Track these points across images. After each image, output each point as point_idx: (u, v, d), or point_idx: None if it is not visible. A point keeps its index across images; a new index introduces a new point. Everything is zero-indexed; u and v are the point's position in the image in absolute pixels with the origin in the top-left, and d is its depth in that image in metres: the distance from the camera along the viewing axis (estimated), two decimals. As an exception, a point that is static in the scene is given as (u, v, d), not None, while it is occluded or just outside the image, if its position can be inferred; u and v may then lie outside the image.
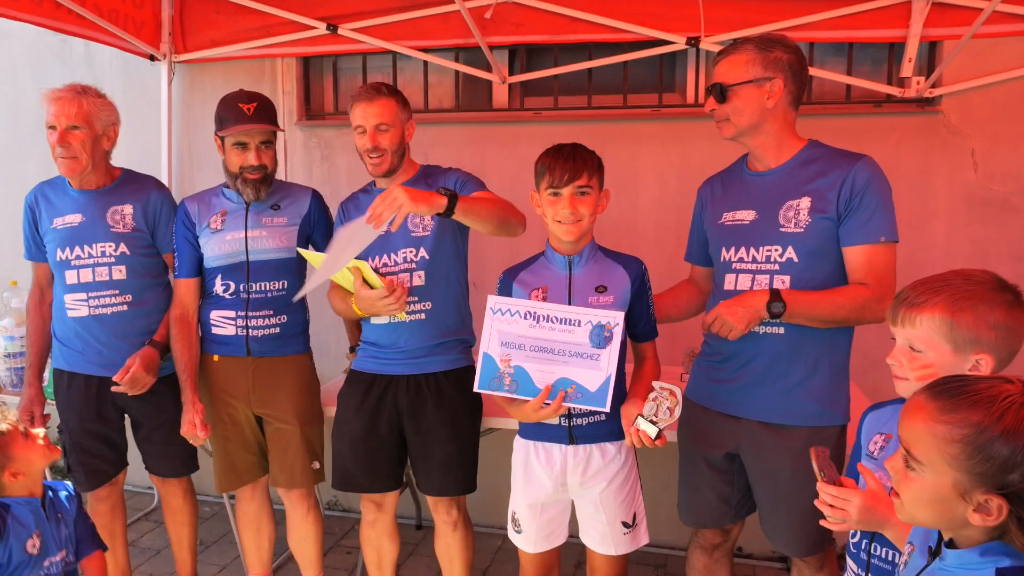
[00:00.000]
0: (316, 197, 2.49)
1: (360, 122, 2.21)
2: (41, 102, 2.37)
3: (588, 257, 1.97)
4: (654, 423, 1.76)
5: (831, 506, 1.34)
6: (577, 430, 1.96)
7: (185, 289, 2.43)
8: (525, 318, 1.87)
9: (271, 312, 2.38)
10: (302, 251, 2.27)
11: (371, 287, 2.11)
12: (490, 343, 1.89)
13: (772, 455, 1.92)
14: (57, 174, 2.48)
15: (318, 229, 2.46)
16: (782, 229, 1.87)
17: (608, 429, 1.94)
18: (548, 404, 1.85)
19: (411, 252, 2.23)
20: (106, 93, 3.53)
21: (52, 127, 2.34)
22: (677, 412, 1.76)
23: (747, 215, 1.93)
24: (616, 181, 3.18)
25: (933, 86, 2.82)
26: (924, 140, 2.91)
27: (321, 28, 3.16)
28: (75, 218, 2.42)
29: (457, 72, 3.33)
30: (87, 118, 2.37)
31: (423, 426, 2.28)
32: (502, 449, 3.27)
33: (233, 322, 2.38)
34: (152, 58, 3.35)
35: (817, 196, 1.82)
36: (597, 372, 1.83)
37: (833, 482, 1.35)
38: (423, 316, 2.24)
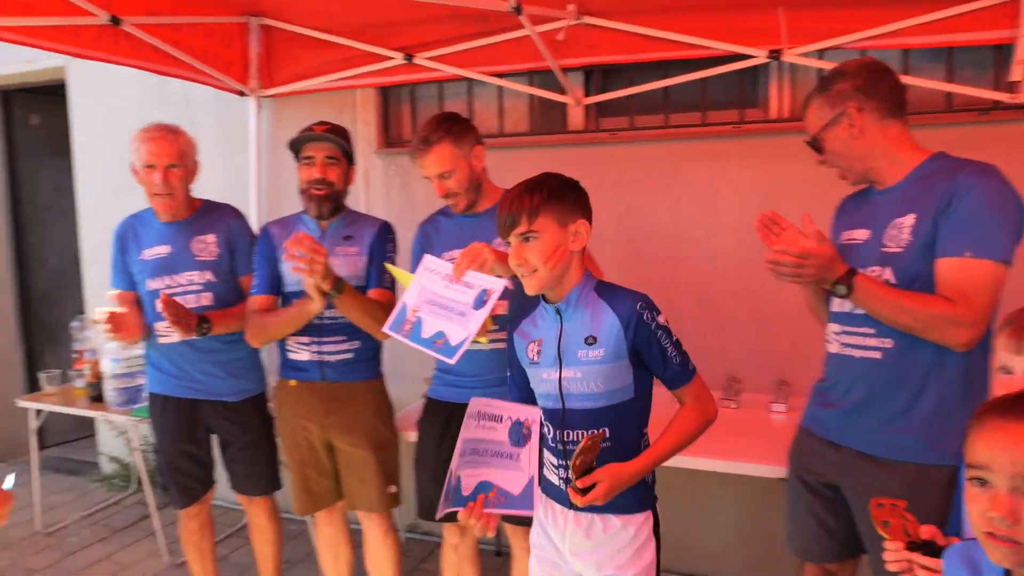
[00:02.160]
0: (382, 228, 2.51)
1: (425, 174, 2.23)
2: (133, 142, 2.50)
3: (577, 303, 1.69)
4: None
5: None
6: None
7: (260, 305, 2.45)
8: (474, 418, 1.71)
9: (344, 338, 2.42)
10: (390, 267, 2.27)
11: None
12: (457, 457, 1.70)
13: (872, 491, 1.77)
14: (145, 207, 2.62)
15: (374, 256, 2.45)
16: (883, 249, 1.75)
17: (618, 499, 1.63)
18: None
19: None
20: (200, 127, 3.73)
21: (151, 166, 2.47)
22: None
23: (861, 234, 1.83)
24: (694, 201, 3.11)
25: (1046, 90, 2.60)
26: (1037, 149, 2.67)
27: (398, 58, 3.22)
28: (163, 249, 2.55)
29: (531, 96, 3.33)
30: (182, 156, 2.51)
31: None
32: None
33: (307, 347, 2.43)
34: (241, 93, 3.51)
35: (922, 212, 1.69)
36: (518, 473, 1.61)
37: (909, 539, 1.20)
38: (504, 345, 2.21)
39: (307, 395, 2.45)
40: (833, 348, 1.88)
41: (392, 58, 3.24)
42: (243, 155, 3.69)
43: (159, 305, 2.29)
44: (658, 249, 3.17)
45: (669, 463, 2.28)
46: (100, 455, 4.58)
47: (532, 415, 1.65)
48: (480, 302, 1.84)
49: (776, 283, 2.80)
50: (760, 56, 2.79)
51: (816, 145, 1.86)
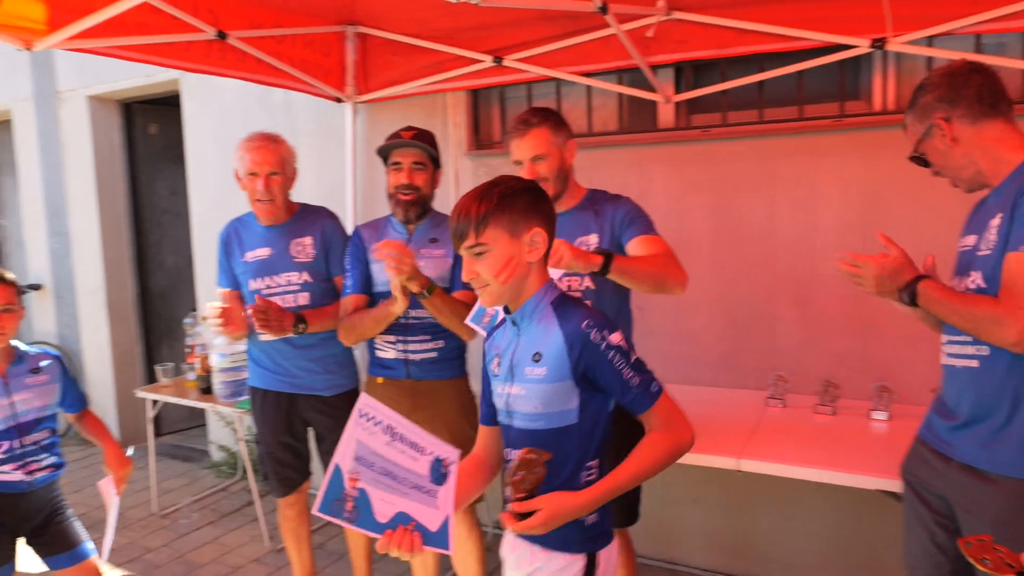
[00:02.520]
0: None
1: (517, 156, 2.24)
2: (237, 151, 2.65)
3: (532, 315, 1.55)
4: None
5: None
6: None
7: (353, 304, 2.52)
8: (385, 432, 1.46)
9: (428, 337, 2.48)
10: None
11: None
12: (344, 454, 1.45)
13: (978, 507, 1.68)
14: (248, 211, 2.76)
15: (459, 258, 2.48)
16: (979, 253, 1.68)
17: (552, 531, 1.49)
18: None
19: (576, 281, 2.22)
20: (300, 133, 3.90)
21: (254, 174, 2.60)
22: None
23: (970, 240, 1.76)
24: (790, 198, 2.99)
25: None
26: None
27: (488, 61, 3.26)
28: (264, 252, 2.68)
29: (620, 94, 3.30)
30: (282, 164, 2.64)
31: None
32: (670, 482, 3.17)
33: (394, 346, 2.50)
34: (338, 100, 3.64)
35: (1004, 210, 1.61)
36: (435, 511, 1.50)
37: (1014, 569, 1.12)
38: None
39: (393, 392, 2.51)
40: (942, 358, 1.82)
41: (482, 61, 3.28)
42: (340, 159, 3.84)
43: (250, 309, 2.42)
44: (752, 248, 3.07)
45: (759, 468, 2.23)
46: (210, 443, 4.87)
47: (452, 455, 1.50)
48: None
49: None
50: (863, 46, 2.65)
51: (920, 159, 1.82)
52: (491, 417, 1.69)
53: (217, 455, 4.79)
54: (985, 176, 1.73)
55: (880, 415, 2.53)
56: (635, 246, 2.15)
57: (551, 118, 2.24)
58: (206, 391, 3.82)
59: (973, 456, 1.69)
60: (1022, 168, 1.65)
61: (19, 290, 2.35)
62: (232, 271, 2.76)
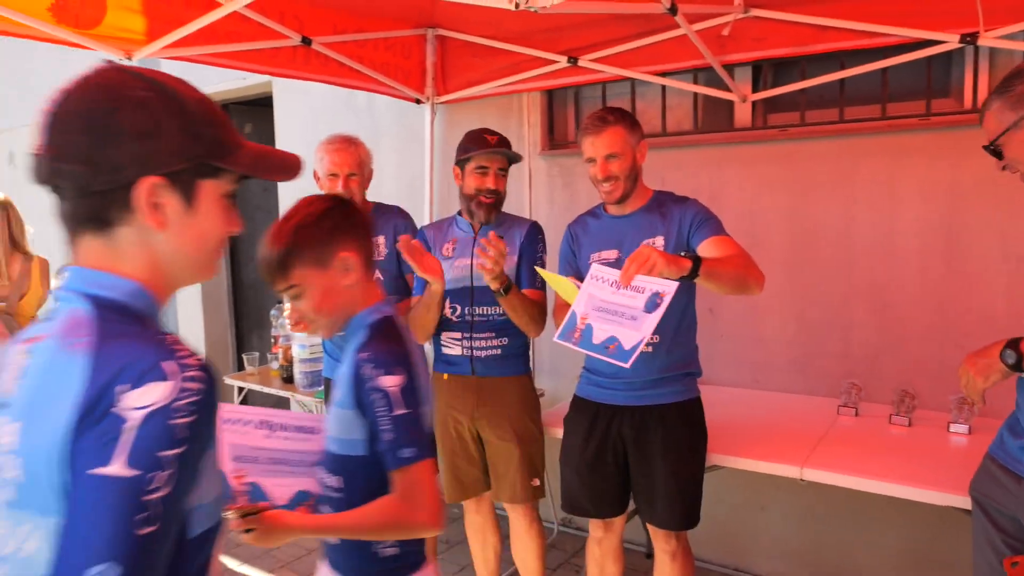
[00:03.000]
0: (531, 228, 2.59)
1: (591, 153, 2.24)
2: (317, 152, 2.77)
3: (352, 336, 1.49)
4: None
5: None
6: None
7: None
8: (259, 427, 1.59)
9: (493, 334, 2.52)
10: (539, 270, 2.30)
11: None
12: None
13: None
14: None
15: (523, 256, 2.53)
16: None
17: (341, 559, 1.50)
18: None
19: None
20: (382, 134, 4.01)
21: (334, 175, 2.72)
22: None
23: None
24: (870, 200, 2.89)
25: None
26: None
27: (563, 61, 3.28)
28: None
29: (696, 93, 3.26)
30: (360, 166, 2.75)
31: (648, 458, 2.27)
32: (731, 485, 3.12)
33: (460, 343, 2.56)
34: (418, 101, 3.75)
35: None
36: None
37: None
38: (650, 349, 2.21)
39: (458, 388, 2.58)
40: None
41: (557, 61, 3.30)
42: (418, 158, 3.94)
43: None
44: (828, 251, 2.98)
45: (822, 478, 2.18)
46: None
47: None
48: (652, 305, 1.86)
49: (963, 289, 2.56)
50: (952, 41, 2.53)
51: (995, 150, 1.72)
52: None
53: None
54: None
55: (960, 427, 2.41)
56: (708, 247, 2.13)
57: (626, 118, 2.25)
58: (288, 380, 4.00)
59: None
60: None
61: None
62: None
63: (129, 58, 2.68)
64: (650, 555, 3.41)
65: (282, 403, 5.44)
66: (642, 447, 2.26)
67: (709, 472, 2.35)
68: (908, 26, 2.57)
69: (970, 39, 2.49)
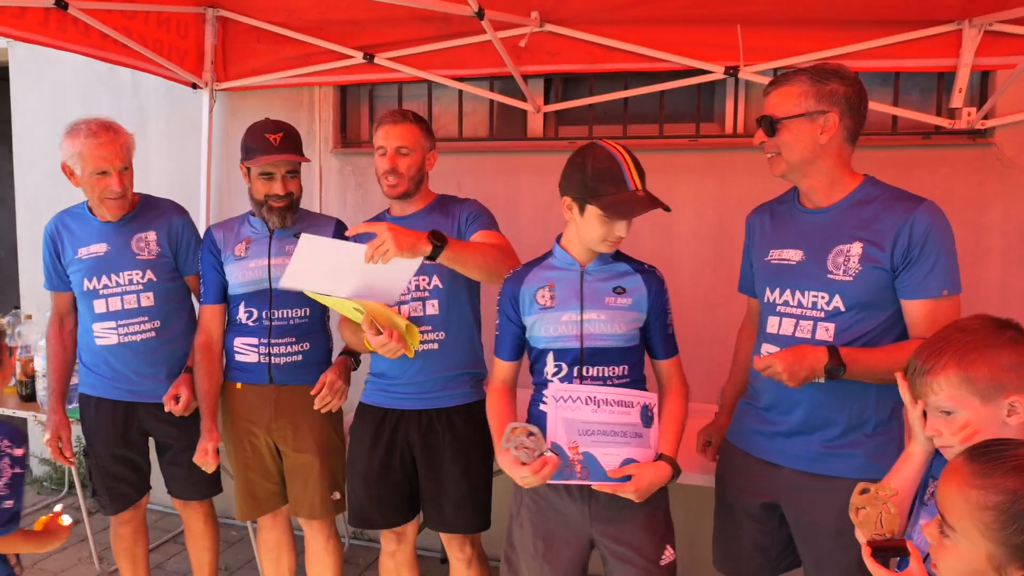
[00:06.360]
0: (338, 226, 2.47)
1: (382, 143, 2.20)
2: (74, 145, 2.33)
3: None
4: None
5: None
6: None
7: (211, 315, 2.43)
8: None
9: (293, 339, 2.37)
10: (310, 293, 2.11)
11: (379, 329, 2.05)
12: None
13: (814, 508, 1.80)
14: (76, 204, 2.52)
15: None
16: (830, 276, 1.75)
17: None
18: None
19: (424, 280, 2.19)
20: (150, 118, 3.61)
21: (104, 172, 2.34)
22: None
23: (794, 255, 1.83)
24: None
25: (985, 117, 2.70)
26: (976, 173, 2.77)
27: (358, 57, 3.18)
28: (100, 247, 2.45)
29: (492, 101, 3.32)
30: (129, 157, 2.42)
31: (435, 463, 2.24)
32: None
33: (256, 349, 2.37)
34: (195, 86, 3.42)
35: (869, 243, 1.71)
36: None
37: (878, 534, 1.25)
38: (436, 347, 2.20)
39: (254, 398, 2.39)
40: None
41: (352, 57, 3.20)
42: (194, 148, 3.59)
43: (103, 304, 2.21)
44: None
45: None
46: (31, 457, 4.39)
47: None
48: (648, 420, 1.80)
49: (729, 294, 2.81)
50: (717, 72, 2.84)
51: (771, 124, 1.77)
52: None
53: (39, 469, 4.32)
54: (810, 187, 1.79)
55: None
56: (476, 239, 2.17)
57: (425, 123, 2.27)
58: (27, 398, 3.44)
59: (809, 462, 1.81)
60: (861, 195, 1.76)
61: None
62: (61, 272, 2.50)
63: None
64: (445, 560, 3.39)
65: (20, 424, 4.66)
66: (430, 451, 2.24)
67: (499, 475, 2.37)
68: (683, 55, 2.84)
69: (732, 71, 2.81)
